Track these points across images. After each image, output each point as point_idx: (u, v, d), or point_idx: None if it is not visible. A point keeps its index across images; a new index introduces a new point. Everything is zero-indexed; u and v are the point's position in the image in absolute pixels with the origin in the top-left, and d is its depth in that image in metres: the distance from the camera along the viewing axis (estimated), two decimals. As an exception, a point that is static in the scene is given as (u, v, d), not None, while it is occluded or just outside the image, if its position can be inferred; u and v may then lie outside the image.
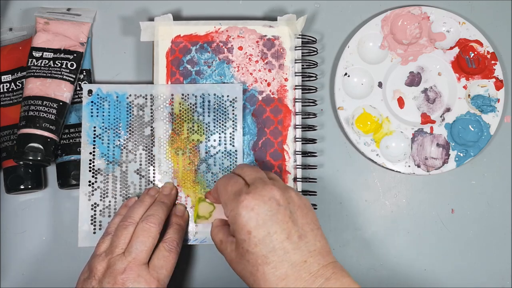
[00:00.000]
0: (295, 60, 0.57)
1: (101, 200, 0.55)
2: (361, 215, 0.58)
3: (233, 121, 0.56)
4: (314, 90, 0.57)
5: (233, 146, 0.56)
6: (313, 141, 0.57)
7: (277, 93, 0.57)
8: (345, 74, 0.58)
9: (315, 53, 0.58)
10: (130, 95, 0.56)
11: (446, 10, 0.59)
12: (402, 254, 0.57)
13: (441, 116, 0.58)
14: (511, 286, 0.57)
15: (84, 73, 0.58)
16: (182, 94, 0.56)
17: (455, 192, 0.58)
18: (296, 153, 0.56)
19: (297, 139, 0.56)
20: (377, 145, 0.57)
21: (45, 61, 0.55)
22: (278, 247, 0.43)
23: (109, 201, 0.55)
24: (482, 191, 0.58)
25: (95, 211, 0.54)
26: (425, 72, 0.59)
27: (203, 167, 0.55)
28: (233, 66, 0.57)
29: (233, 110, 0.56)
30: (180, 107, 0.56)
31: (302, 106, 0.57)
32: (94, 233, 0.54)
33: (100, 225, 0.54)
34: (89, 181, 0.55)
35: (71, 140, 0.56)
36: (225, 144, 0.56)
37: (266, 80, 0.57)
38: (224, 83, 0.57)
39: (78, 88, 0.57)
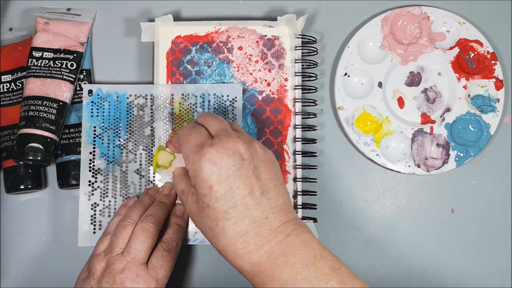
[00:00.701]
0: (295, 60, 0.57)
1: (101, 200, 0.55)
2: (361, 215, 0.58)
3: (233, 121, 0.56)
4: (314, 90, 0.57)
5: (233, 146, 0.56)
6: (313, 141, 0.57)
7: (277, 93, 0.57)
8: (345, 74, 0.58)
9: (315, 53, 0.58)
10: (130, 95, 0.56)
11: (446, 10, 0.59)
12: (402, 254, 0.57)
13: (441, 116, 0.58)
14: (511, 286, 0.57)
15: (84, 73, 0.58)
16: (182, 94, 0.56)
17: (455, 192, 0.58)
18: (296, 153, 0.56)
19: (297, 139, 0.56)
20: (377, 145, 0.57)
21: (45, 61, 0.55)
22: (239, 203, 0.42)
23: (109, 201, 0.55)
24: (482, 191, 0.58)
25: (95, 211, 0.54)
26: (425, 72, 0.59)
27: (203, 167, 0.55)
28: (233, 66, 0.57)
29: (233, 110, 0.56)
30: (180, 107, 0.56)
31: (302, 106, 0.57)
32: (94, 233, 0.54)
33: (100, 225, 0.54)
34: (89, 181, 0.55)
35: (71, 140, 0.56)
36: (225, 144, 0.56)
37: (266, 80, 0.57)
38: (224, 83, 0.57)
39: (78, 88, 0.57)
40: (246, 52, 0.58)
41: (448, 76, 0.59)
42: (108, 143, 0.55)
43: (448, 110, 0.58)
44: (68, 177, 0.55)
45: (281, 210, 0.43)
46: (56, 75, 0.55)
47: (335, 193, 0.58)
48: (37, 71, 0.55)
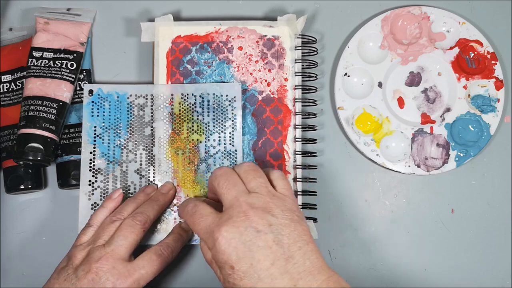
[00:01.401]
0: (295, 60, 0.57)
1: (101, 199, 0.55)
2: (361, 215, 0.58)
3: (232, 120, 0.56)
4: (314, 90, 0.57)
5: (233, 146, 0.56)
6: (313, 141, 0.57)
7: (277, 93, 0.57)
8: (345, 74, 0.58)
9: (315, 53, 0.58)
10: (130, 95, 0.56)
11: (446, 10, 0.59)
12: (402, 254, 0.57)
13: (441, 116, 0.58)
14: (511, 286, 0.57)
15: (84, 73, 0.58)
16: (182, 94, 0.56)
17: (455, 192, 0.58)
18: (296, 153, 0.56)
19: (297, 139, 0.56)
20: (377, 145, 0.57)
21: (45, 61, 0.55)
22: (263, 276, 0.40)
23: (109, 201, 0.55)
24: (482, 191, 0.58)
25: (95, 210, 0.54)
26: (425, 72, 0.59)
27: (203, 167, 0.55)
28: (233, 66, 0.57)
29: (232, 110, 0.56)
30: (180, 107, 0.56)
31: (302, 106, 0.57)
32: (94, 233, 0.54)
33: (100, 225, 0.54)
34: (89, 181, 0.55)
35: (71, 140, 0.56)
36: (224, 144, 0.56)
37: (266, 80, 0.57)
38: (223, 82, 0.57)
39: (78, 88, 0.57)
40: (246, 52, 0.58)
41: (448, 76, 0.59)
42: (109, 143, 0.55)
43: (448, 110, 0.58)
44: (68, 177, 0.55)
45: (310, 274, 0.41)
46: (56, 75, 0.55)
47: (335, 193, 0.58)
48: (37, 71, 0.55)
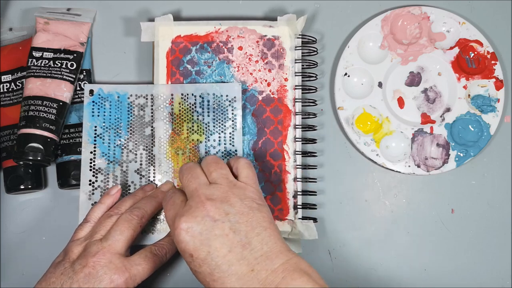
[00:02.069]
0: (295, 60, 0.57)
1: (101, 200, 0.55)
2: (361, 215, 0.58)
3: (232, 120, 0.56)
4: (314, 90, 0.57)
5: (233, 146, 0.56)
6: (313, 141, 0.57)
7: (277, 93, 0.57)
8: (345, 74, 0.58)
9: (315, 53, 0.58)
10: (131, 95, 0.56)
11: (446, 10, 0.59)
12: (402, 254, 0.57)
13: (441, 116, 0.58)
14: (511, 286, 0.57)
15: (84, 73, 0.58)
16: (182, 94, 0.56)
17: (455, 192, 0.58)
18: (296, 153, 0.56)
19: (297, 139, 0.56)
20: (377, 145, 0.57)
21: (45, 61, 0.55)
22: (221, 263, 0.42)
23: (109, 201, 0.55)
24: (482, 191, 0.58)
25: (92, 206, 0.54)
26: (425, 72, 0.59)
27: (203, 167, 0.55)
28: (233, 66, 0.57)
29: (232, 110, 0.56)
30: (180, 107, 0.56)
31: (302, 106, 0.57)
32: (94, 233, 0.54)
33: (100, 225, 0.54)
34: (90, 180, 0.55)
35: (71, 140, 0.56)
36: (224, 144, 0.56)
37: (266, 80, 0.57)
38: (223, 82, 0.57)
39: (78, 88, 0.57)
40: (246, 52, 0.58)
41: (448, 76, 0.59)
42: (109, 143, 0.55)
43: (448, 110, 0.58)
44: (68, 177, 0.55)
45: (267, 258, 0.42)
46: (56, 75, 0.55)
47: (335, 193, 0.58)
48: (37, 71, 0.55)
